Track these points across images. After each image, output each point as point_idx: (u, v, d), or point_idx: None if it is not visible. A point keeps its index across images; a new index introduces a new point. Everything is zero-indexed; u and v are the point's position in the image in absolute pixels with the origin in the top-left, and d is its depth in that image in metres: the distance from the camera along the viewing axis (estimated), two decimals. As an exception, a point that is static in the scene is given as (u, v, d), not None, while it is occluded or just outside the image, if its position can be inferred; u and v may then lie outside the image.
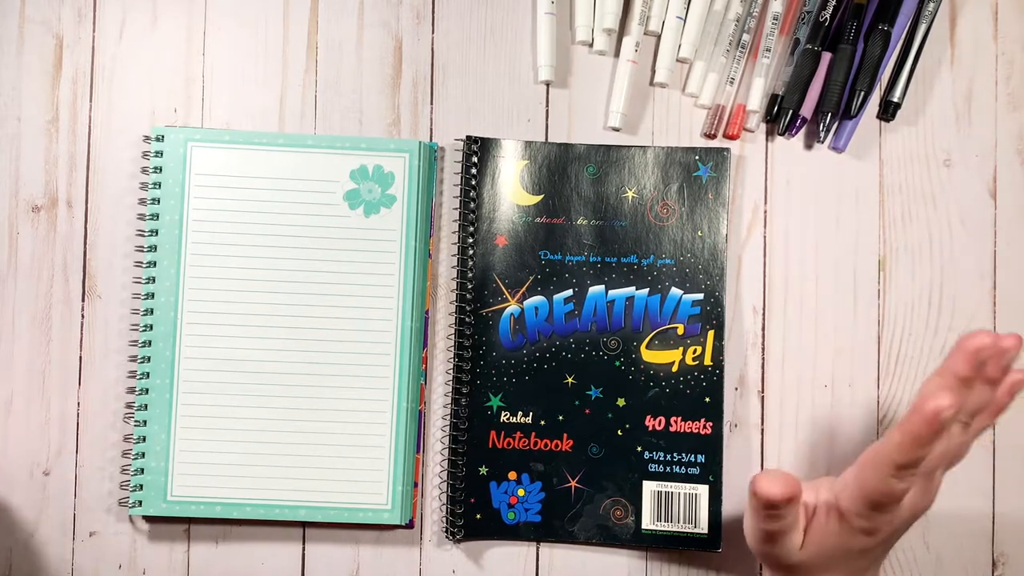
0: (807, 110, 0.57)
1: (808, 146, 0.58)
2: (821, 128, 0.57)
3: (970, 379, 0.43)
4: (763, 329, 0.58)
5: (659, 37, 0.58)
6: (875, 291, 0.58)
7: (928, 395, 0.42)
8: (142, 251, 0.56)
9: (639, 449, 0.56)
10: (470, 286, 0.57)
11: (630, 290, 0.57)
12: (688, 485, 0.56)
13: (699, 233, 0.57)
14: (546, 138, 0.58)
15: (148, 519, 0.57)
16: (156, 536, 0.57)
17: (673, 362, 0.56)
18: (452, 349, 0.57)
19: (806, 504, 0.48)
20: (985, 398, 0.45)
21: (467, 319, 0.56)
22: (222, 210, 0.56)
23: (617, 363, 0.56)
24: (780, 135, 0.58)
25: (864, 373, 0.57)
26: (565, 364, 0.57)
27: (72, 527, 0.57)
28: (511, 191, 0.57)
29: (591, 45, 0.58)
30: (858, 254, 0.58)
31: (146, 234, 0.56)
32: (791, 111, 0.56)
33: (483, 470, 0.56)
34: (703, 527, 0.55)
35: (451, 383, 0.57)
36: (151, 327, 0.56)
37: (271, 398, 0.56)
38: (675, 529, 0.56)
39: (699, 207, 0.57)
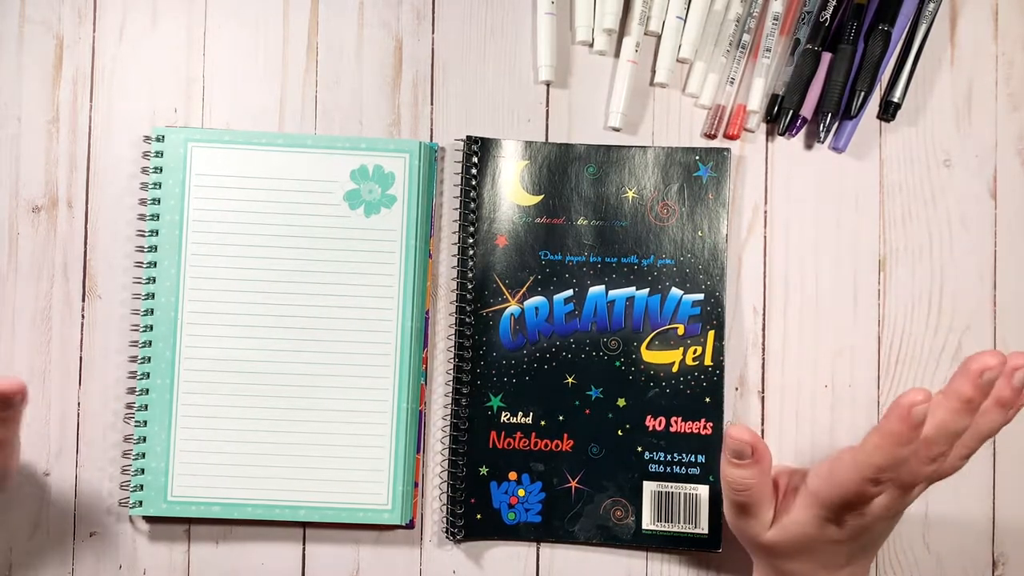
0: (807, 110, 0.57)
1: (808, 146, 0.58)
2: (821, 128, 0.57)
3: (975, 400, 0.43)
4: (763, 329, 0.58)
5: (659, 37, 0.58)
6: (875, 291, 0.58)
7: (903, 394, 0.42)
8: (142, 251, 0.56)
9: (639, 449, 0.56)
10: (470, 286, 0.57)
11: (630, 290, 0.57)
12: (688, 485, 0.56)
13: (699, 233, 0.57)
14: (546, 138, 0.58)
15: (148, 519, 0.57)
16: (156, 536, 0.57)
17: (673, 362, 0.56)
18: (452, 349, 0.57)
19: (777, 483, 0.50)
20: (994, 420, 0.45)
21: (467, 319, 0.56)
22: (222, 210, 0.56)
23: (617, 363, 0.56)
24: (780, 135, 0.58)
25: (864, 373, 0.57)
26: (565, 364, 0.57)
27: (72, 527, 0.57)
28: (511, 191, 0.57)
29: (591, 45, 0.58)
30: (858, 254, 0.58)
31: (146, 234, 0.56)
32: (791, 111, 0.57)
33: (483, 470, 0.56)
34: (703, 527, 0.55)
35: (451, 383, 0.57)
36: (151, 327, 0.56)
37: (271, 398, 0.56)
38: (675, 529, 0.56)
39: (699, 207, 0.57)
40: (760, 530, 0.49)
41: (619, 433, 0.56)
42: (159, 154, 0.56)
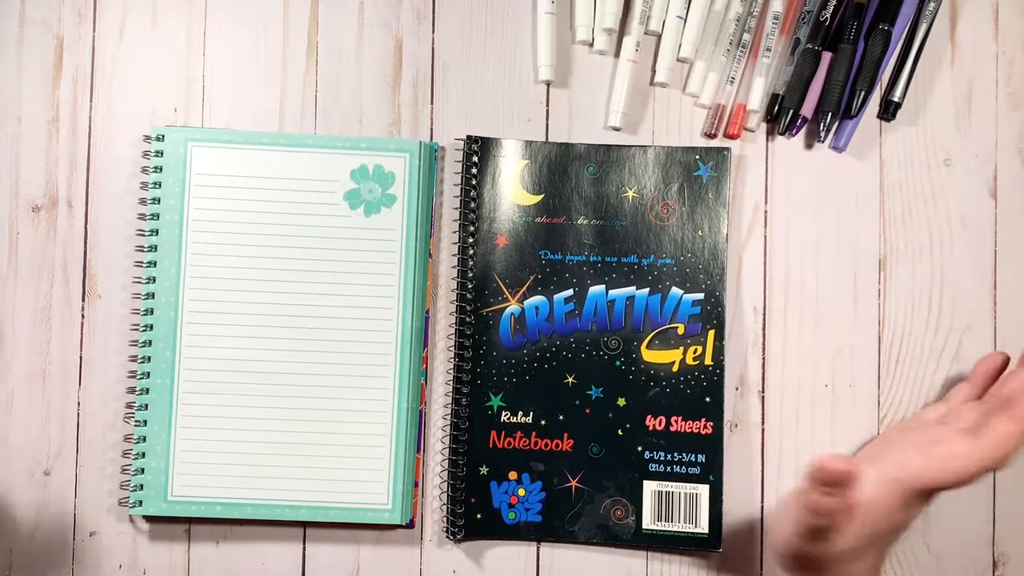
0: (807, 110, 0.57)
1: (808, 146, 0.58)
2: (821, 128, 0.57)
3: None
4: (763, 329, 0.58)
5: (659, 37, 0.58)
6: (875, 291, 0.58)
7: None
8: (142, 251, 0.56)
9: (639, 449, 0.56)
10: (470, 286, 0.57)
11: (630, 290, 0.57)
12: (688, 485, 0.56)
13: (699, 233, 0.57)
14: (546, 138, 0.58)
15: (148, 519, 0.57)
16: (156, 536, 0.57)
17: (673, 362, 0.56)
18: (452, 349, 0.57)
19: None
20: None
21: (467, 319, 0.56)
22: (222, 210, 0.56)
23: (617, 363, 0.56)
24: (780, 135, 0.58)
25: (864, 373, 0.57)
26: (565, 364, 0.57)
27: (72, 527, 0.57)
28: (511, 191, 0.57)
29: (591, 45, 0.58)
30: (858, 254, 0.58)
31: (146, 234, 0.56)
32: (791, 111, 0.56)
33: (483, 470, 0.56)
34: (703, 527, 0.55)
35: (451, 383, 0.57)
36: (151, 327, 0.56)
37: (271, 398, 0.56)
38: (675, 529, 0.56)
39: (699, 207, 0.57)
40: (836, 544, 0.46)
41: (619, 433, 0.56)
42: (159, 154, 0.56)
